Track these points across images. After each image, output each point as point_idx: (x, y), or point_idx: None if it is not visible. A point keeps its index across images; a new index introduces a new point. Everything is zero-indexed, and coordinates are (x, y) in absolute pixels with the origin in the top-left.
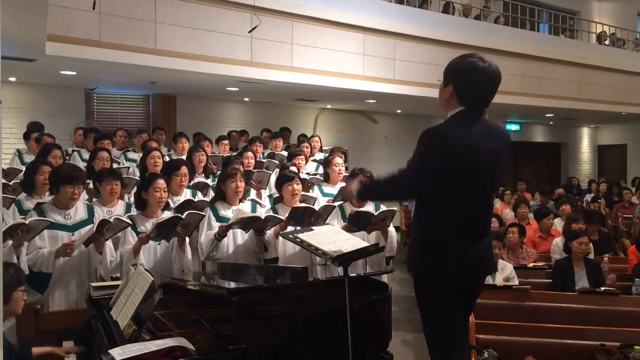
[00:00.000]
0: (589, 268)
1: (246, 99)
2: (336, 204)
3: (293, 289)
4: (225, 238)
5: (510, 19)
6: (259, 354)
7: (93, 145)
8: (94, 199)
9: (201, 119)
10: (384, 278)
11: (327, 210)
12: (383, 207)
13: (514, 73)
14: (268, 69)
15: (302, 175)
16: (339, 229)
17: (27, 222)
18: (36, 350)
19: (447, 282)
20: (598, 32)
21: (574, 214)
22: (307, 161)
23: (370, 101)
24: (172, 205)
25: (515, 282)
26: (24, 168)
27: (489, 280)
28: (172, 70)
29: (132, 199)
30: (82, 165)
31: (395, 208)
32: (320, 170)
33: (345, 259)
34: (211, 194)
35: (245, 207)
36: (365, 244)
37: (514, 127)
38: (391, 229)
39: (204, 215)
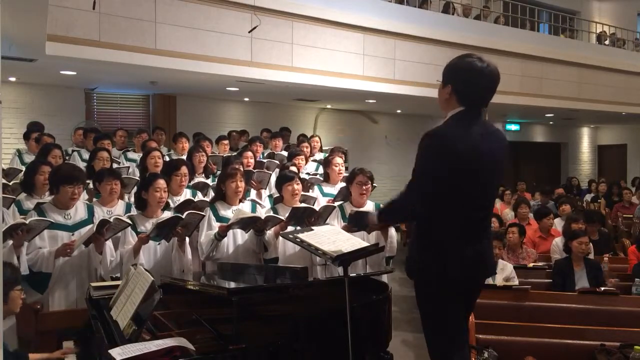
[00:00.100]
0: (589, 268)
1: (246, 99)
2: (336, 204)
3: (293, 289)
4: (225, 238)
5: (510, 19)
6: (259, 354)
7: (93, 145)
8: (94, 199)
9: (201, 119)
10: (384, 278)
11: (327, 210)
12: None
13: (514, 73)
14: (268, 69)
15: (302, 175)
16: (339, 229)
17: (27, 222)
18: (33, 356)
19: (447, 282)
20: (598, 32)
21: (573, 214)
22: (307, 161)
23: (370, 101)
24: (172, 205)
25: (515, 282)
26: (24, 168)
27: (489, 280)
28: (172, 70)
29: (132, 199)
30: (81, 165)
31: None
32: (320, 170)
33: (345, 259)
34: (211, 194)
35: (245, 207)
36: (365, 244)
37: (514, 127)
38: (391, 229)
39: (204, 215)
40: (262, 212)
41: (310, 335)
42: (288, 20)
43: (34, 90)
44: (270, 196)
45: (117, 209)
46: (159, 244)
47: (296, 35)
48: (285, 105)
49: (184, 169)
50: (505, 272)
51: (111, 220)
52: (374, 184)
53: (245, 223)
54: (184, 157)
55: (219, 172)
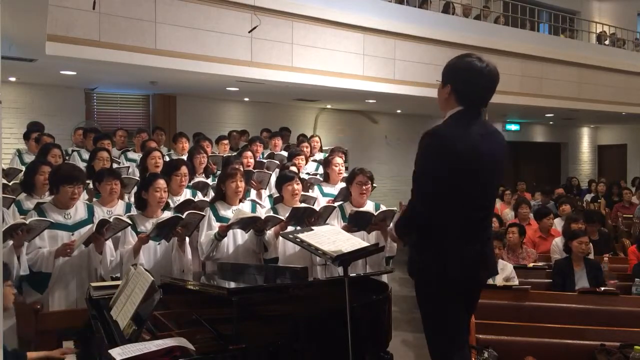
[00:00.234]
0: (589, 268)
1: (246, 99)
2: (336, 204)
3: (293, 289)
4: (225, 238)
5: (510, 19)
6: (259, 354)
7: (93, 145)
8: (94, 199)
9: (201, 119)
10: (384, 278)
11: (327, 210)
12: (383, 207)
13: (514, 73)
14: (268, 69)
15: (302, 175)
16: (339, 229)
17: (27, 222)
18: (31, 355)
19: (447, 282)
20: (598, 32)
21: (573, 214)
22: (307, 161)
23: (370, 101)
24: (172, 205)
25: (515, 282)
26: (24, 168)
27: (489, 280)
28: (172, 70)
29: (132, 199)
30: (81, 165)
31: (395, 208)
32: (320, 170)
33: (345, 259)
34: (211, 194)
35: (245, 207)
36: (365, 244)
37: (514, 127)
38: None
39: (204, 215)
40: (262, 212)
41: (310, 335)
42: (288, 20)
43: (34, 90)
44: (270, 196)
45: (117, 209)
46: (159, 244)
47: (296, 35)
48: (285, 105)
49: (184, 169)
50: (505, 272)
51: (111, 220)
52: (374, 184)
53: (245, 223)
54: (184, 157)
55: (219, 172)
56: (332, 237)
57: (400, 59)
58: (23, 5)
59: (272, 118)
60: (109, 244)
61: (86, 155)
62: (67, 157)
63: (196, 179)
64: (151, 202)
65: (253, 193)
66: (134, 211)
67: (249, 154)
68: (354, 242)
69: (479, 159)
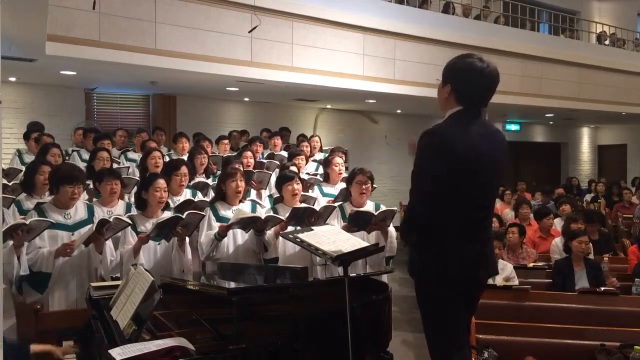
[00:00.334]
0: (589, 268)
1: (246, 99)
2: (336, 204)
3: (293, 289)
4: (225, 238)
5: (510, 19)
6: (259, 354)
7: (93, 145)
8: (94, 199)
9: (201, 119)
10: (384, 278)
11: (327, 210)
12: (383, 207)
13: (514, 73)
14: (268, 69)
15: (302, 176)
16: (339, 229)
17: (27, 222)
18: (34, 347)
19: (447, 282)
20: (598, 32)
21: (573, 214)
22: (307, 161)
23: (370, 101)
24: (172, 205)
25: (515, 282)
26: (24, 168)
27: (489, 280)
28: (172, 70)
29: (132, 199)
30: (81, 165)
31: (395, 208)
32: (320, 170)
33: (345, 259)
34: (211, 194)
35: (245, 207)
36: (365, 244)
37: (514, 127)
38: (391, 228)
39: (204, 215)
40: (262, 212)
41: (310, 335)
42: (288, 20)
43: (34, 90)
44: (270, 196)
45: (118, 209)
46: (159, 244)
47: (296, 35)
48: (285, 105)
49: (184, 169)
50: (505, 272)
51: (111, 220)
52: (374, 185)
53: (245, 223)
54: (184, 157)
55: (219, 172)
56: (332, 237)
57: (400, 59)
58: (23, 5)
59: (272, 118)
60: (109, 244)
61: (86, 155)
62: (67, 157)
63: (196, 179)
64: (151, 202)
65: (253, 193)
66: (134, 211)
67: (249, 154)
68: (354, 242)
69: (478, 158)
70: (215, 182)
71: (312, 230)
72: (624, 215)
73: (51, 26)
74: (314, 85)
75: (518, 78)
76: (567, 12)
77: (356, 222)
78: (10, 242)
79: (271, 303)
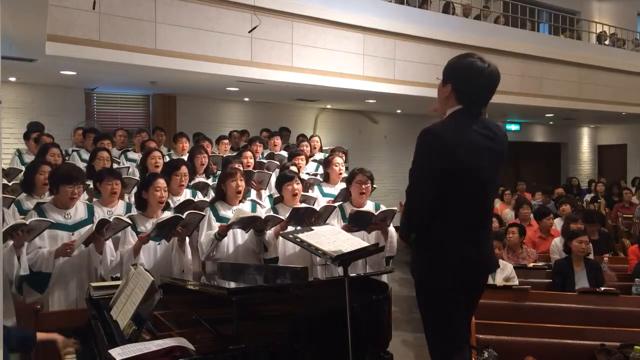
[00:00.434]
0: (589, 268)
1: (246, 99)
2: (336, 204)
3: (293, 289)
4: (225, 238)
5: (510, 19)
6: (259, 354)
7: (93, 145)
8: (94, 199)
9: (201, 119)
10: (384, 278)
11: (327, 210)
12: (383, 207)
13: (514, 73)
14: (268, 69)
15: (302, 176)
16: (339, 229)
17: (27, 222)
18: (40, 335)
19: (447, 282)
20: (598, 32)
21: (573, 214)
22: (307, 161)
23: (370, 101)
24: (172, 205)
25: (515, 282)
26: (24, 168)
27: (489, 280)
28: (172, 70)
29: (132, 199)
30: (81, 165)
31: (395, 208)
32: (320, 170)
33: (345, 259)
34: (211, 194)
35: (245, 207)
36: (365, 244)
37: (514, 127)
38: (391, 228)
39: (204, 215)
40: (262, 212)
41: (310, 335)
42: (288, 20)
43: (34, 90)
44: (270, 196)
45: (118, 209)
46: (159, 244)
47: (296, 35)
48: (285, 105)
49: (184, 169)
50: (505, 272)
51: (111, 220)
52: (374, 185)
53: (245, 223)
54: (184, 157)
55: (219, 172)
56: (332, 237)
57: (400, 59)
58: (23, 5)
59: (272, 118)
60: (109, 244)
61: (86, 156)
62: (67, 157)
63: (196, 179)
64: (151, 202)
65: (253, 193)
66: (134, 211)
67: (249, 154)
68: (354, 242)
69: (477, 157)
70: (215, 182)
71: (312, 230)
72: (624, 215)
73: (51, 26)
74: (314, 85)
75: (518, 78)
76: (567, 12)
77: (356, 222)
78: (11, 242)
79: (271, 303)
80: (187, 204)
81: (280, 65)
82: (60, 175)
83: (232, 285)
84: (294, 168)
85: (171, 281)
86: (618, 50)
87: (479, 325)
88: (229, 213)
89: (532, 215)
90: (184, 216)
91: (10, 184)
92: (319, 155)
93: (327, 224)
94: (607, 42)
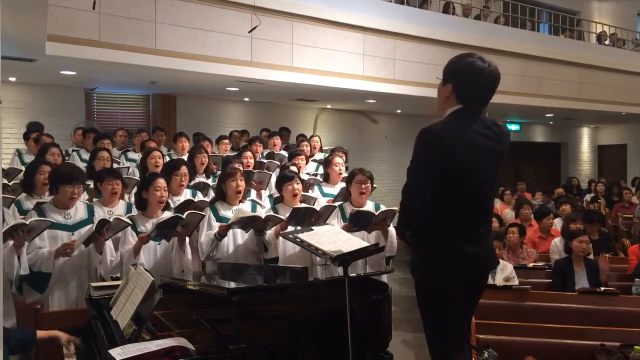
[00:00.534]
0: (589, 268)
1: (246, 99)
2: (336, 204)
3: (293, 289)
4: (225, 238)
5: (510, 19)
6: (259, 354)
7: (93, 145)
8: (95, 199)
9: (201, 119)
10: (384, 278)
11: (327, 210)
12: (383, 207)
13: (514, 73)
14: (268, 69)
15: (302, 176)
16: (339, 229)
17: (27, 222)
18: (40, 333)
19: (447, 282)
20: (598, 32)
21: (572, 214)
22: (307, 161)
23: (370, 101)
24: (172, 205)
25: (515, 282)
26: (24, 168)
27: (489, 280)
28: (172, 70)
29: (132, 199)
30: (81, 165)
31: (395, 208)
32: (320, 170)
33: (345, 259)
34: (211, 194)
35: (245, 207)
36: (365, 244)
37: (514, 127)
38: (391, 228)
39: (204, 215)
40: (262, 212)
41: (310, 335)
42: (288, 20)
43: (34, 90)
44: (270, 196)
45: (118, 209)
46: (159, 244)
47: (296, 35)
48: (285, 105)
49: (184, 169)
50: (505, 272)
51: (111, 220)
52: (374, 185)
53: (245, 223)
54: (184, 157)
55: (219, 172)
56: (332, 237)
57: (400, 59)
58: (23, 5)
59: (272, 118)
60: (109, 244)
61: (86, 156)
62: (66, 157)
63: (196, 179)
64: (151, 202)
65: (253, 193)
66: (134, 211)
67: (249, 154)
68: (354, 242)
69: (477, 156)
70: (215, 182)
71: (312, 230)
72: (624, 215)
73: (51, 26)
74: (314, 85)
75: (518, 78)
76: (567, 12)
77: (357, 222)
78: (11, 242)
79: (271, 303)
80: (187, 204)
81: (280, 65)
82: (60, 175)
83: (232, 285)
84: (294, 168)
85: (171, 281)
86: (618, 50)
87: (479, 325)
88: (229, 213)
89: (532, 215)
90: (184, 216)
91: (10, 183)
92: (319, 155)
93: (327, 224)
94: (607, 42)
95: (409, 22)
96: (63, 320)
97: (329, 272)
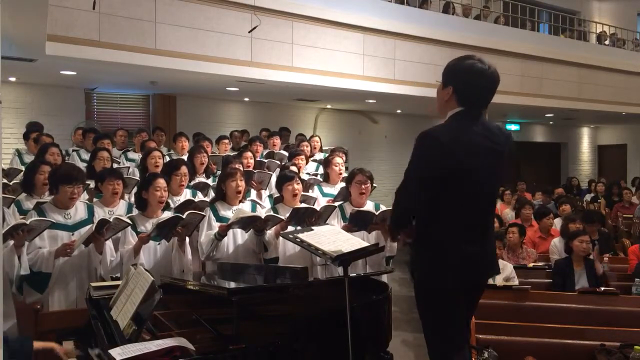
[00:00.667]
0: (589, 268)
1: (246, 99)
2: (336, 204)
3: (293, 289)
4: (225, 238)
5: (510, 19)
6: (259, 354)
7: (93, 145)
8: (96, 199)
9: (201, 119)
10: (384, 278)
11: (327, 210)
12: (383, 207)
13: (514, 73)
14: (268, 69)
15: (302, 176)
16: (339, 229)
17: (27, 222)
18: (36, 344)
19: (447, 283)
20: (598, 32)
21: (572, 214)
22: (307, 161)
23: (370, 101)
24: (172, 205)
25: (515, 282)
26: (23, 168)
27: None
28: (172, 70)
29: (132, 199)
30: (81, 165)
31: None
32: (320, 170)
33: (345, 259)
34: (211, 194)
35: (245, 207)
36: (365, 244)
37: (514, 127)
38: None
39: (204, 215)
40: (262, 212)
41: (310, 335)
42: (288, 20)
43: (34, 90)
44: (270, 196)
45: (119, 209)
46: (159, 244)
47: (296, 35)
48: (285, 105)
49: (184, 169)
50: (505, 272)
51: (111, 220)
52: (374, 184)
53: (245, 222)
54: (184, 157)
55: (219, 172)
56: (332, 237)
57: (400, 59)
58: (23, 5)
59: (272, 118)
60: (109, 244)
61: (86, 156)
62: (66, 157)
63: (196, 180)
64: (151, 202)
65: (253, 193)
66: (135, 211)
67: (249, 154)
68: (354, 242)
69: (477, 157)
70: (215, 182)
71: (312, 230)
72: (624, 215)
73: (51, 26)
74: (314, 85)
75: (518, 78)
76: (567, 12)
77: (357, 222)
78: (11, 242)
79: (271, 303)
80: (187, 204)
81: (280, 65)
82: (60, 175)
83: (232, 285)
84: (294, 168)
85: (171, 281)
86: (618, 50)
87: (479, 325)
88: (229, 213)
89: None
90: (184, 216)
91: (10, 183)
92: (319, 155)
93: (327, 224)
94: (607, 42)
95: (409, 22)
96: (63, 320)
97: (329, 272)
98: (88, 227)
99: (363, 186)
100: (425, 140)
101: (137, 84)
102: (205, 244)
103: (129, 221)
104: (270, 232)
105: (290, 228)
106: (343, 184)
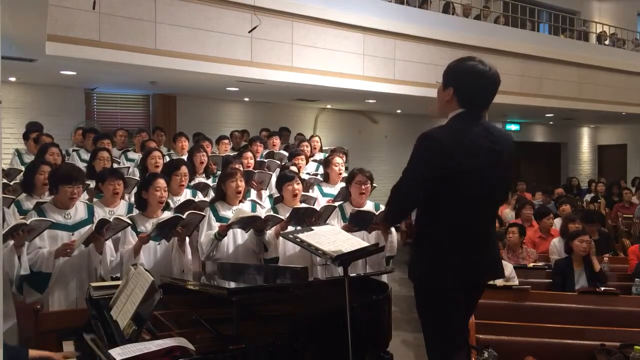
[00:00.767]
0: (589, 268)
1: (246, 99)
2: (336, 204)
3: (293, 289)
4: (225, 238)
5: (510, 19)
6: (259, 354)
7: (93, 145)
8: (96, 199)
9: (201, 119)
10: (384, 278)
11: (327, 210)
12: (383, 207)
13: (514, 73)
14: (268, 69)
15: (302, 176)
16: (339, 229)
17: (28, 222)
18: (33, 353)
19: (446, 283)
20: (598, 32)
21: (572, 214)
22: (307, 161)
23: (370, 101)
24: (172, 205)
25: (515, 282)
26: (23, 168)
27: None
28: (172, 70)
29: (132, 199)
30: (81, 165)
31: None
32: (321, 170)
33: (345, 259)
34: (211, 194)
35: (245, 207)
36: (365, 244)
37: (514, 127)
38: (391, 228)
39: (204, 215)
40: (262, 212)
41: (310, 335)
42: (288, 20)
43: (34, 90)
44: (270, 196)
45: (120, 209)
46: (159, 244)
47: (296, 35)
48: (285, 105)
49: (184, 169)
50: (505, 272)
51: (111, 220)
52: (373, 184)
53: (245, 222)
54: (184, 157)
55: (219, 172)
56: (332, 237)
57: (400, 59)
58: (23, 5)
59: (272, 118)
60: (109, 244)
61: (86, 156)
62: (66, 157)
63: (196, 179)
64: (151, 202)
65: (253, 193)
66: (135, 211)
67: (249, 154)
68: (354, 242)
69: (477, 159)
70: (215, 182)
71: (312, 230)
72: (624, 215)
73: (51, 26)
74: (314, 85)
75: (518, 78)
76: (567, 12)
77: (357, 222)
78: (11, 242)
79: (271, 303)
80: (187, 204)
81: (280, 65)
82: (60, 175)
83: (232, 285)
84: (294, 168)
85: (171, 281)
86: (618, 50)
87: (479, 325)
88: (229, 213)
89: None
90: (184, 216)
91: (10, 183)
92: (319, 155)
93: (327, 224)
94: (607, 42)
95: (409, 22)
96: (63, 320)
97: (329, 272)
98: (88, 227)
99: (363, 186)
100: (426, 141)
101: (137, 84)
102: (205, 244)
103: (129, 221)
104: (270, 232)
105: (290, 228)
106: (343, 184)
